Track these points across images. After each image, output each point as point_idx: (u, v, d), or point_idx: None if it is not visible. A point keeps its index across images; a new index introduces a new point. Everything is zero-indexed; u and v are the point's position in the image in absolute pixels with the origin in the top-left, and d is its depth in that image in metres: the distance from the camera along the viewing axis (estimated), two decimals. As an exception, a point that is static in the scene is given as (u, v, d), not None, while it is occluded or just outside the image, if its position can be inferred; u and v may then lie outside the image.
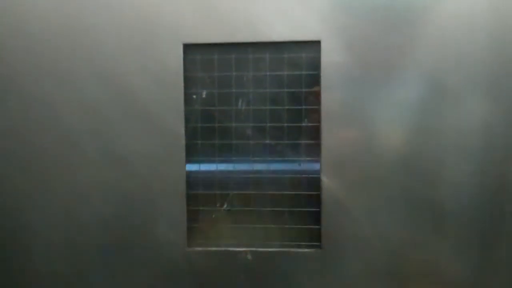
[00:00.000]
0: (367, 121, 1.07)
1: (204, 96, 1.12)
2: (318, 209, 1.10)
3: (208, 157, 1.13)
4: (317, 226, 1.11)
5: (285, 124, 1.11)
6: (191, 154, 1.12)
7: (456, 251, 1.08)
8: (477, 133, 1.05)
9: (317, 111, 1.08)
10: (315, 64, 1.08)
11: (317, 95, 1.08)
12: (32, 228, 1.16)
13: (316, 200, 1.10)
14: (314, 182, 1.10)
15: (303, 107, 1.10)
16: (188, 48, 1.10)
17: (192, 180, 1.13)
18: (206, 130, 1.13)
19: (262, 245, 1.12)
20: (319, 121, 1.08)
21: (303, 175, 1.11)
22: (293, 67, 1.10)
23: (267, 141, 1.12)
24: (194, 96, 1.12)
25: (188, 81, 1.11)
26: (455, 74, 1.05)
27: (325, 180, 1.09)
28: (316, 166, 1.10)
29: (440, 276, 1.09)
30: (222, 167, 1.13)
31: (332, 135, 1.08)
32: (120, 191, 1.13)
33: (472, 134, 1.06)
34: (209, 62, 1.12)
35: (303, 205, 1.12)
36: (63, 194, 1.14)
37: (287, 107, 1.11)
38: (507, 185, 1.06)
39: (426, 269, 1.09)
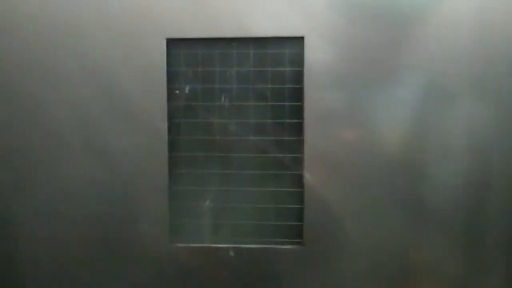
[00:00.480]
0: (351, 118, 1.07)
1: (187, 91, 1.12)
2: (301, 206, 1.10)
3: (190, 152, 1.12)
4: (299, 223, 1.10)
5: (268, 120, 1.11)
6: (174, 149, 1.12)
7: (441, 249, 1.08)
8: (464, 132, 1.05)
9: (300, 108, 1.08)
10: (299, 61, 1.08)
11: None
12: (17, 223, 1.15)
13: (299, 197, 1.10)
14: (296, 179, 1.10)
15: (286, 103, 1.10)
16: (172, 42, 1.09)
17: (174, 176, 1.12)
18: (189, 125, 1.12)
19: (244, 241, 1.12)
20: (302, 117, 1.08)
21: (286, 172, 1.11)
22: (277, 63, 1.09)
23: (250, 137, 1.11)
24: (177, 91, 1.12)
25: (171, 76, 1.10)
26: (441, 73, 1.05)
27: (307, 177, 1.08)
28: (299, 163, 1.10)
29: (424, 273, 1.09)
30: (205, 162, 1.13)
31: (315, 132, 1.07)
32: (103, 186, 1.12)
33: (460, 133, 1.05)
34: (193, 57, 1.11)
35: (286, 202, 1.11)
36: (47, 189, 1.13)
37: (270, 103, 1.11)
38: (495, 185, 1.06)
39: (410, 267, 1.09)
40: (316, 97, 1.07)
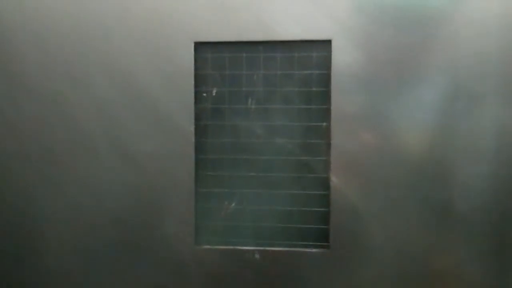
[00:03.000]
0: (378, 121, 1.07)
1: (214, 94, 1.12)
2: (327, 209, 1.10)
3: (217, 155, 1.13)
4: (325, 226, 1.10)
5: (295, 123, 1.11)
6: (201, 151, 1.12)
7: (467, 253, 1.07)
8: (489, 134, 1.04)
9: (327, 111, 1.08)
10: (326, 64, 1.08)
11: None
12: (43, 225, 1.17)
13: (325, 200, 1.10)
14: (323, 182, 1.10)
15: (313, 106, 1.10)
16: (199, 46, 1.10)
17: (201, 178, 1.13)
18: (215, 128, 1.13)
19: (270, 244, 1.12)
20: (329, 120, 1.08)
21: (313, 175, 1.11)
22: (304, 66, 1.10)
23: (277, 140, 1.12)
24: (205, 94, 1.12)
25: (198, 79, 1.11)
26: (469, 75, 1.04)
27: (334, 180, 1.08)
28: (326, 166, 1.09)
29: (450, 277, 1.07)
30: (231, 165, 1.13)
31: (342, 135, 1.07)
32: (129, 189, 1.13)
33: (485, 135, 1.05)
34: (220, 60, 1.12)
35: (312, 205, 1.11)
36: (74, 191, 1.15)
37: (297, 106, 1.11)
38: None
39: (436, 271, 1.08)
40: (343, 100, 1.07)
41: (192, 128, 1.11)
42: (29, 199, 1.16)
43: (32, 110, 1.15)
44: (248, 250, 1.12)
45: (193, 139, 1.11)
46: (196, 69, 1.11)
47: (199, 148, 1.12)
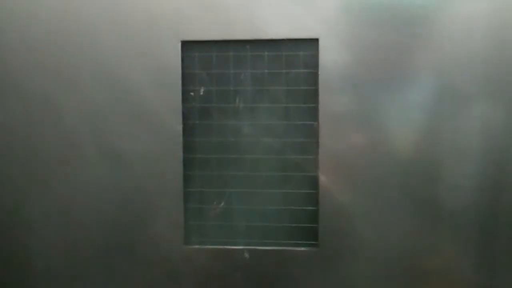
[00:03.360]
0: (366, 120, 1.07)
1: (201, 93, 1.12)
2: (315, 208, 1.10)
3: (205, 154, 1.13)
4: (314, 225, 1.10)
5: (283, 122, 1.11)
6: (188, 151, 1.12)
7: (456, 252, 1.07)
8: (477, 134, 1.05)
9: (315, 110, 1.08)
10: (313, 62, 1.08)
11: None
12: (31, 226, 1.15)
13: (314, 198, 1.10)
14: (312, 181, 1.10)
15: (301, 105, 1.10)
16: (187, 45, 1.10)
17: (189, 178, 1.12)
18: (203, 127, 1.12)
19: (259, 243, 1.12)
20: (317, 119, 1.08)
21: (301, 173, 1.11)
22: (291, 65, 1.10)
23: (265, 139, 1.11)
24: (192, 93, 1.12)
25: (186, 78, 1.11)
26: (456, 75, 1.04)
27: (322, 178, 1.08)
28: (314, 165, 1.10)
29: (437, 275, 1.08)
30: (220, 164, 1.13)
31: (330, 134, 1.07)
32: (117, 189, 1.13)
33: (472, 135, 1.05)
34: (207, 59, 1.11)
35: (301, 204, 1.11)
36: (61, 192, 1.14)
37: (285, 105, 1.10)
38: (509, 186, 1.05)
39: (423, 269, 1.08)
40: (331, 99, 1.07)
41: (179, 127, 1.10)
42: (16, 200, 1.15)
43: (19, 110, 1.13)
44: (237, 250, 1.12)
45: (181, 139, 1.10)
46: (183, 68, 1.10)
47: (187, 147, 1.12)
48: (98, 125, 1.12)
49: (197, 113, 1.12)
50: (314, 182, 1.10)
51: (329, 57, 1.06)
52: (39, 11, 1.11)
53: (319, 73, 1.07)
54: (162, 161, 1.11)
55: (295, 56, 1.09)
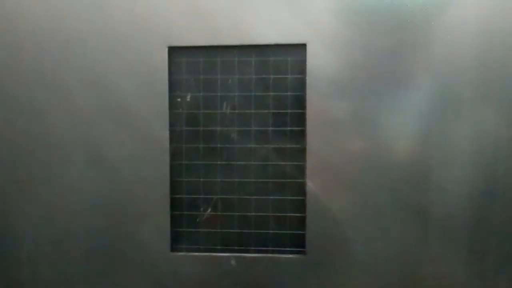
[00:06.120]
0: (353, 125, 1.06)
1: (189, 99, 1.11)
2: (303, 215, 1.09)
3: (192, 160, 1.12)
4: (301, 232, 1.09)
5: (270, 128, 1.10)
6: (175, 157, 1.11)
7: (445, 258, 1.06)
8: (467, 138, 1.04)
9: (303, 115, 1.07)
10: (301, 68, 1.07)
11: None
12: (16, 232, 1.15)
13: (301, 205, 1.09)
14: (299, 187, 1.09)
15: (289, 111, 1.09)
16: (173, 50, 1.09)
17: (176, 184, 1.12)
18: (190, 133, 1.12)
19: (246, 250, 1.11)
20: (304, 125, 1.07)
21: (288, 180, 1.10)
22: (279, 70, 1.09)
23: (252, 145, 1.11)
24: (179, 99, 1.11)
25: (173, 84, 1.10)
26: (445, 80, 1.04)
27: (310, 185, 1.07)
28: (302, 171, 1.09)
29: (428, 282, 1.07)
30: (207, 171, 1.12)
31: (318, 140, 1.06)
32: (103, 195, 1.12)
33: (462, 139, 1.04)
34: (194, 65, 1.11)
35: (288, 210, 1.10)
36: (47, 198, 1.13)
37: (272, 111, 1.10)
38: (500, 192, 1.04)
39: (413, 276, 1.07)
40: (319, 105, 1.06)
41: (166, 133, 1.10)
42: (1, 206, 1.14)
43: (2, 114, 1.13)
44: (224, 257, 1.11)
45: (167, 145, 1.10)
46: (170, 73, 1.09)
47: (173, 153, 1.11)
48: (84, 130, 1.11)
49: (184, 119, 1.11)
50: (301, 189, 1.09)
51: (317, 62, 1.06)
52: (27, 18, 1.11)
53: (307, 78, 1.06)
54: (149, 167, 1.10)
55: (282, 62, 1.09)
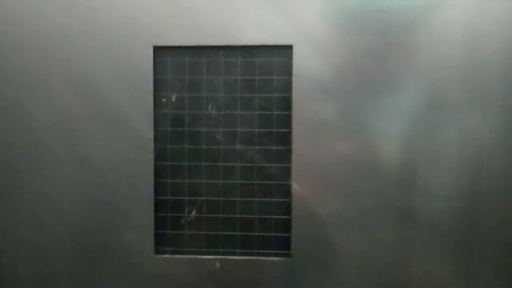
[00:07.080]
0: (340, 127, 1.06)
1: (174, 99, 1.10)
2: (288, 217, 1.08)
3: (177, 162, 1.11)
4: (287, 234, 1.08)
5: (256, 130, 1.09)
6: (160, 158, 1.10)
7: (433, 261, 1.06)
8: (453, 141, 1.04)
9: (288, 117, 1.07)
10: (287, 69, 1.07)
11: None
12: (-1, 233, 1.13)
13: (287, 207, 1.08)
14: (285, 189, 1.08)
15: (274, 112, 1.09)
16: (159, 50, 1.08)
17: (160, 186, 1.10)
18: (175, 134, 1.10)
19: (230, 253, 1.10)
20: (290, 126, 1.06)
21: (274, 182, 1.09)
22: (265, 71, 1.08)
23: (238, 146, 1.10)
24: (164, 100, 1.10)
25: (158, 84, 1.09)
26: (432, 82, 1.04)
27: (295, 187, 1.07)
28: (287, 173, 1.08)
29: (415, 284, 1.07)
30: (191, 172, 1.11)
31: (304, 141, 1.06)
32: (87, 196, 1.10)
33: (449, 142, 1.04)
34: (180, 65, 1.10)
35: (273, 213, 1.10)
36: (30, 199, 1.11)
37: (258, 112, 1.09)
38: (487, 196, 1.05)
39: (399, 278, 1.07)
40: (305, 106, 1.06)
41: (151, 134, 1.09)
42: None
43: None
44: (208, 259, 1.10)
45: (152, 146, 1.09)
46: (155, 74, 1.08)
47: (158, 154, 1.10)
48: (68, 131, 1.10)
49: (169, 120, 1.10)
50: (287, 191, 1.08)
51: (303, 64, 1.05)
52: (9, 17, 1.09)
53: (293, 80, 1.06)
54: (133, 169, 1.09)
55: (268, 63, 1.08)
